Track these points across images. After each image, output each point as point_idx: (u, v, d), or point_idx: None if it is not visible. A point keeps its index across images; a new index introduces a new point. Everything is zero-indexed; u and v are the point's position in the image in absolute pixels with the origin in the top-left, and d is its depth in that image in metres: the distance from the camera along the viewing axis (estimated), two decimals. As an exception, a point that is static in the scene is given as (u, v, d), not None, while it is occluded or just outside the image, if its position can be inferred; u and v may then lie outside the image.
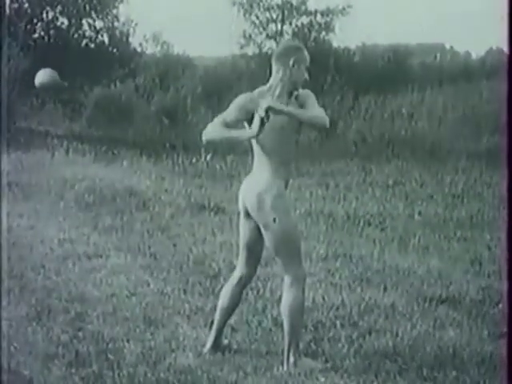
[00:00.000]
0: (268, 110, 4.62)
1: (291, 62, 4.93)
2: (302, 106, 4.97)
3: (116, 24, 23.14)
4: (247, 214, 4.98)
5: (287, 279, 4.95)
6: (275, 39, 24.88)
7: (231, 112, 4.91)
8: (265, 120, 4.64)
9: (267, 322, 5.80)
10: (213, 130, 4.86)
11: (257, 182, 4.90)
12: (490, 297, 6.46)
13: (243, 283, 5.22)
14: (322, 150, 16.51)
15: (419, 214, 10.07)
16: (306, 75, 5.05)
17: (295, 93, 5.00)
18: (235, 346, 5.35)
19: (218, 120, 4.88)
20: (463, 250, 8.19)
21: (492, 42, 28.57)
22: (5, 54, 15.77)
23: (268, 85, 5.01)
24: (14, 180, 11.64)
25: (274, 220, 4.81)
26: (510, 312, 4.00)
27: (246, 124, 4.94)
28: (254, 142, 4.95)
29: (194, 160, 14.59)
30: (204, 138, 4.86)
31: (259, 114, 4.64)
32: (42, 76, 5.29)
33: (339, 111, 19.70)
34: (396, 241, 8.58)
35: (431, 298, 6.39)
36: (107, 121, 20.25)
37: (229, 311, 5.25)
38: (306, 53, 5.03)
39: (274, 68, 5.00)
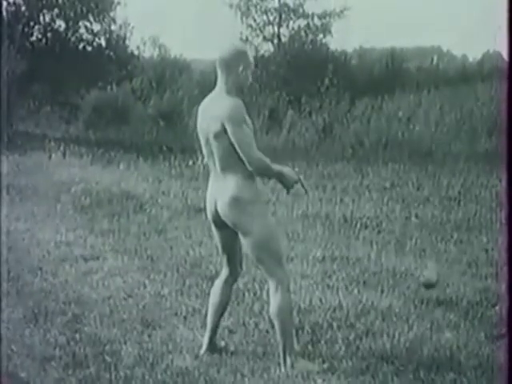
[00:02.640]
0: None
1: (241, 69, 4.89)
2: None
3: (113, 27, 23.19)
4: (219, 220, 4.94)
5: (272, 284, 4.93)
6: (272, 42, 24.93)
7: (250, 130, 4.82)
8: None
9: (264, 323, 5.80)
10: (264, 159, 4.80)
11: (227, 187, 4.83)
12: (487, 299, 6.46)
13: (231, 281, 5.26)
14: (319, 152, 16.53)
15: (416, 216, 10.07)
16: (250, 78, 4.99)
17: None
18: (232, 348, 5.35)
19: (255, 147, 4.80)
20: (460, 253, 8.19)
21: (489, 46, 28.63)
22: (2, 57, 15.76)
23: (221, 90, 4.92)
24: (11, 183, 11.65)
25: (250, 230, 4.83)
26: (508, 314, 4.00)
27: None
28: (214, 146, 4.86)
29: (190, 162, 14.59)
30: (260, 166, 4.80)
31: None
32: None
33: (336, 114, 19.72)
34: (393, 243, 8.58)
35: (428, 300, 6.39)
36: (104, 123, 20.28)
37: (220, 310, 5.25)
38: (251, 56, 4.97)
39: (223, 74, 4.90)
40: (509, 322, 3.98)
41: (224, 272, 5.25)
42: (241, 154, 4.76)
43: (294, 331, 5.10)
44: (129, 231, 9.07)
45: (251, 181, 4.86)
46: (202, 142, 4.97)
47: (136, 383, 4.78)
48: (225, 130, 4.76)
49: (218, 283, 5.26)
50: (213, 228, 5.10)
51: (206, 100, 5.01)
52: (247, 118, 4.83)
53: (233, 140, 4.75)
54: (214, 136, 4.81)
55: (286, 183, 4.94)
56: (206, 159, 5.05)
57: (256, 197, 4.87)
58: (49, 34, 22.64)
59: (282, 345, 4.96)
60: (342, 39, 27.12)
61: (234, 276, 5.24)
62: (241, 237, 4.91)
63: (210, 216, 5.02)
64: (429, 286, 5.44)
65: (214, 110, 4.83)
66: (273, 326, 5.61)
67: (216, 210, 4.92)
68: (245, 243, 4.91)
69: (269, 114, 20.10)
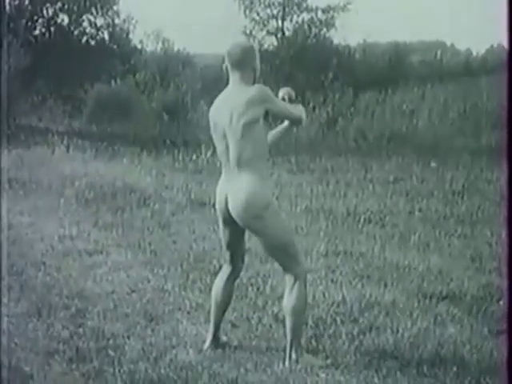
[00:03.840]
0: None
1: (256, 63, 4.92)
2: None
3: (116, 21, 23.19)
4: (228, 218, 4.91)
5: (289, 279, 4.92)
6: (276, 36, 24.91)
7: None
8: None
9: (268, 318, 5.80)
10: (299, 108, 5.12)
11: (241, 186, 4.79)
12: (491, 293, 6.45)
13: (234, 277, 5.24)
14: (323, 146, 16.51)
15: (419, 210, 10.07)
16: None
17: None
18: (236, 343, 5.35)
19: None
20: (464, 247, 8.18)
21: (493, 40, 28.61)
22: (5, 51, 15.77)
23: (237, 86, 4.91)
24: (15, 177, 11.66)
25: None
26: (510, 309, 3.99)
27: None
28: (233, 140, 4.83)
29: (194, 156, 14.59)
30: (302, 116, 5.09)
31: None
32: None
33: (340, 108, 19.71)
34: (396, 237, 8.58)
35: (432, 295, 6.39)
36: (107, 117, 20.24)
37: (223, 305, 5.24)
38: (256, 50, 5.03)
39: (237, 72, 4.89)
40: (510, 316, 3.97)
41: (226, 269, 5.22)
42: (289, 119, 5.14)
43: (303, 328, 5.11)
44: (132, 225, 9.07)
45: (266, 180, 4.87)
46: (217, 138, 4.93)
47: (139, 378, 4.78)
48: (260, 116, 4.75)
49: (220, 280, 5.23)
50: (220, 224, 5.07)
51: (221, 96, 4.96)
52: None
53: (279, 111, 4.92)
54: (244, 125, 4.74)
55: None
56: (219, 155, 5.02)
57: (270, 198, 4.87)
58: (52, 28, 22.63)
59: (290, 339, 4.95)
60: (346, 33, 27.14)
61: (236, 272, 5.23)
62: (254, 235, 4.89)
63: (219, 213, 4.99)
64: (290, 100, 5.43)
65: (240, 101, 4.77)
66: (277, 321, 5.64)
67: (227, 208, 4.88)
68: (260, 242, 4.91)
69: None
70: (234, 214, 4.84)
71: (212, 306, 5.26)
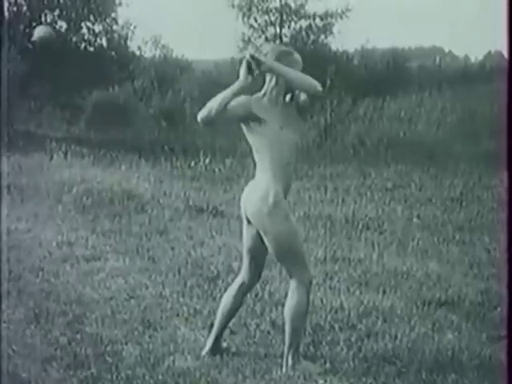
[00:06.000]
0: (253, 58, 4.73)
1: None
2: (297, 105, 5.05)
3: (115, 27, 23.13)
4: (248, 221, 4.94)
5: (293, 283, 4.91)
6: (274, 42, 24.92)
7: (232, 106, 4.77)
8: (252, 67, 4.74)
9: (266, 324, 5.79)
10: (207, 106, 4.73)
11: (256, 189, 4.85)
12: (489, 300, 6.45)
13: (245, 289, 5.19)
14: (321, 153, 16.52)
15: (418, 217, 10.07)
16: None
17: (290, 94, 5.00)
18: (234, 349, 5.34)
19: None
20: (462, 253, 8.18)
21: (491, 46, 28.68)
22: (4, 58, 15.76)
23: (263, 91, 4.95)
24: (13, 183, 11.63)
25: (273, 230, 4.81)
26: (509, 315, 3.99)
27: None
28: (254, 145, 4.90)
29: (192, 163, 14.60)
30: (200, 118, 4.72)
31: (246, 57, 4.75)
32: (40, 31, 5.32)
33: (338, 114, 19.70)
34: (395, 244, 8.57)
35: (430, 301, 6.38)
36: (106, 124, 20.26)
37: (229, 315, 5.22)
38: (297, 55, 5.00)
39: (267, 76, 4.93)
40: (509, 323, 3.97)
41: (240, 278, 5.17)
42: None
43: (302, 334, 5.09)
44: (130, 232, 9.06)
45: (279, 180, 4.84)
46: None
47: (137, 384, 4.79)
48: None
49: (231, 291, 5.19)
50: (244, 227, 5.04)
51: None
52: None
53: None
54: (244, 126, 4.89)
55: None
56: None
57: (281, 197, 4.84)
58: (50, 35, 22.58)
59: (288, 345, 4.93)
60: (344, 39, 27.21)
61: (251, 283, 5.17)
62: (264, 237, 4.87)
63: (242, 213, 5.00)
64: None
65: None
66: (275, 327, 5.63)
67: (245, 208, 4.94)
68: (268, 244, 4.87)
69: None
70: (247, 213, 4.88)
71: (218, 314, 5.23)
